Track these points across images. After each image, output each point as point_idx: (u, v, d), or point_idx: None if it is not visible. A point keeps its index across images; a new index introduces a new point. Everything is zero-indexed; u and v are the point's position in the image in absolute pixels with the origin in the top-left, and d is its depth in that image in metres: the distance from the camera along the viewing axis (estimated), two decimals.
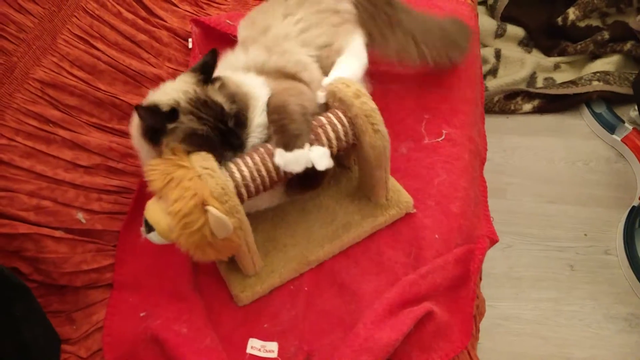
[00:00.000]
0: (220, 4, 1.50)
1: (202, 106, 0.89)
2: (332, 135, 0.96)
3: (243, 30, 1.18)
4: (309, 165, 0.91)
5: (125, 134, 1.20)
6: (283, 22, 1.12)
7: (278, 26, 1.11)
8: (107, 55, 1.19)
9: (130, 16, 1.29)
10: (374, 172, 1.04)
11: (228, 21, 1.37)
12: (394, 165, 1.16)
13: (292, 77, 1.05)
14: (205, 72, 0.92)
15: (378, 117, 0.96)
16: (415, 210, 1.12)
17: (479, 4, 2.22)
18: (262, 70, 1.03)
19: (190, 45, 1.38)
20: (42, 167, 1.03)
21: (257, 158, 0.93)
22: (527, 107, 2.03)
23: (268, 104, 0.96)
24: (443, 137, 1.24)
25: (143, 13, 1.33)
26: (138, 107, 0.86)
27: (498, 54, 2.13)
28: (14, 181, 0.98)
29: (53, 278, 1.01)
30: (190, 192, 0.85)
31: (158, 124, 0.88)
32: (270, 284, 1.03)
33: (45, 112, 1.06)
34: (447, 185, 1.16)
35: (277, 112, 0.94)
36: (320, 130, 0.96)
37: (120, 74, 1.21)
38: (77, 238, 1.04)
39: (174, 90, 0.91)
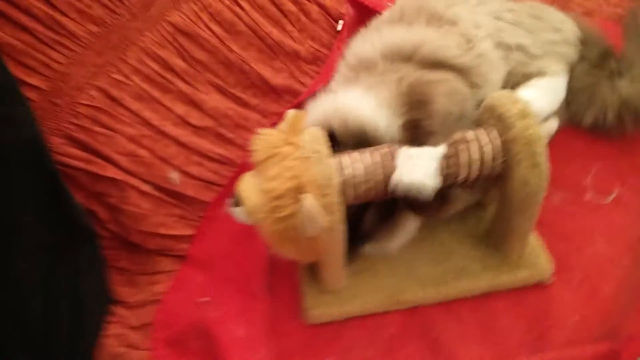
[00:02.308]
0: None
1: None
2: (476, 156, 0.77)
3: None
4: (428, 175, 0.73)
5: (246, 104, 1.11)
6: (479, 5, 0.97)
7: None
8: (249, 16, 1.10)
9: None
10: (515, 217, 0.82)
11: (390, 4, 1.22)
12: (541, 216, 0.93)
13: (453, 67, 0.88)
14: None
15: (542, 149, 0.75)
16: (552, 281, 0.88)
17: None
18: (405, 57, 0.87)
19: (339, 28, 1.25)
20: (150, 113, 0.96)
21: (377, 157, 0.77)
22: None
23: (407, 95, 0.81)
24: (612, 197, 0.98)
25: None
26: None
27: None
28: (117, 121, 0.92)
29: (128, 233, 0.94)
30: (290, 173, 0.72)
31: None
32: (349, 311, 0.87)
33: (170, 59, 0.99)
34: (604, 258, 0.90)
35: (415, 108, 0.79)
36: (463, 147, 0.77)
37: (257, 40, 1.12)
38: (164, 198, 0.96)
39: None
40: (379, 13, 1.20)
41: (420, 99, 0.79)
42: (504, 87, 0.92)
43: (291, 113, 0.81)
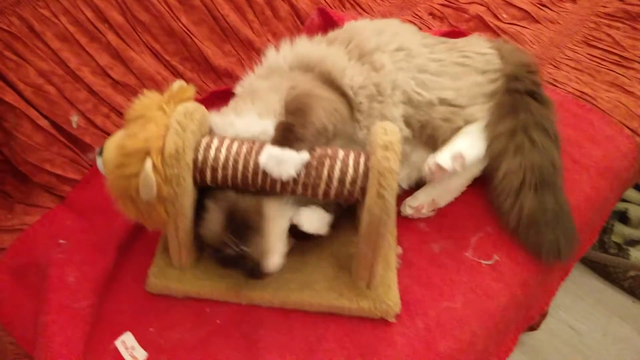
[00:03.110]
0: (364, 11, 1.37)
1: None
2: (336, 174, 0.77)
3: (352, 27, 1.03)
4: (290, 173, 0.75)
5: (179, 75, 1.13)
6: (420, 49, 0.97)
7: (413, 48, 0.96)
8: None
9: None
10: (361, 245, 0.82)
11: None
12: (414, 258, 0.94)
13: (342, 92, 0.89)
14: None
15: (392, 183, 0.74)
16: (394, 321, 0.86)
17: None
18: (308, 68, 0.89)
19: None
20: (69, 55, 0.99)
21: (244, 149, 0.79)
22: None
23: (291, 101, 0.83)
24: (491, 262, 0.95)
25: None
26: None
27: None
28: (32, 53, 0.96)
29: (17, 161, 0.97)
30: (145, 135, 0.76)
31: None
32: (187, 290, 0.87)
33: (108, 11, 1.03)
34: (455, 317, 0.87)
35: (293, 114, 0.80)
36: (327, 161, 0.77)
37: (210, 19, 1.15)
38: (58, 137, 0.99)
39: None
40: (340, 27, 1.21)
41: (300, 108, 0.81)
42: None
43: (178, 83, 0.84)
